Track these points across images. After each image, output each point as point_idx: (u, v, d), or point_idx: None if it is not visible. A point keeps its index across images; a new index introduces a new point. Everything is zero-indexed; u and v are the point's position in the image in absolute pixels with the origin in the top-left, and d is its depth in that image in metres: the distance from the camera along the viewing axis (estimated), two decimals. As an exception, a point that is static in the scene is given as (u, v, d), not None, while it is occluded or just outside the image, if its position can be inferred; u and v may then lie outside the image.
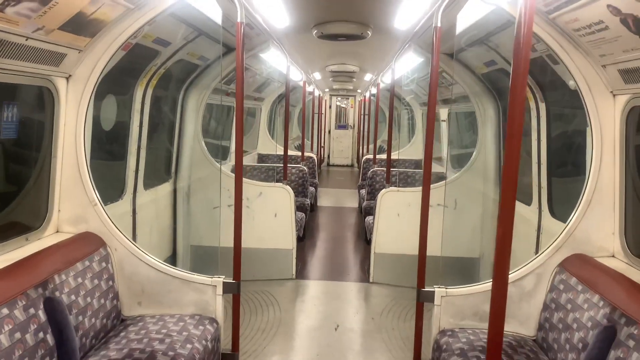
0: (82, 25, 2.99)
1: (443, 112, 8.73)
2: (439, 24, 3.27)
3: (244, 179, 5.33)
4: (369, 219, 7.04)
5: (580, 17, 2.84)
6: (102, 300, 3.24)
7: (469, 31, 4.22)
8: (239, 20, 3.28)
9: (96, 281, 3.23)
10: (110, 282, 3.40)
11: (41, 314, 2.61)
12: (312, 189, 9.33)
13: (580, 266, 3.15)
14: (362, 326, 4.87)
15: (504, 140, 5.75)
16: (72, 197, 3.49)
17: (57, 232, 3.51)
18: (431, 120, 3.45)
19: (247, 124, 10.71)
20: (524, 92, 1.92)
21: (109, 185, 4.60)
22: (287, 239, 6.02)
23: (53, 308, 2.69)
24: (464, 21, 3.91)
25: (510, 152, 1.94)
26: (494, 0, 3.14)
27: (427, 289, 3.46)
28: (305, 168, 8.48)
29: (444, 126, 8.61)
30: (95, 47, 3.34)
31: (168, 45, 4.38)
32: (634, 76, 2.92)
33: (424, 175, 3.54)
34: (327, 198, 11.81)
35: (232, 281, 3.54)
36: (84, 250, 3.26)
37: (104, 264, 3.37)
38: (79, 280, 3.06)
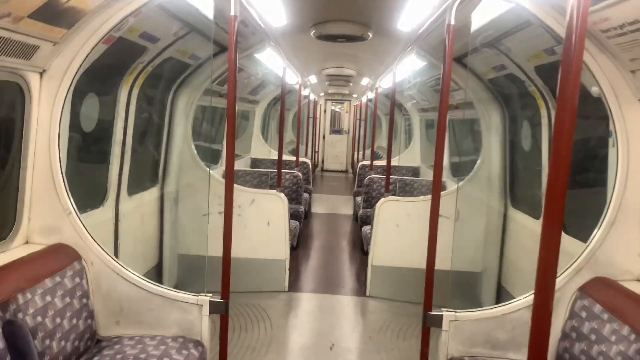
0: (55, 14, 2.67)
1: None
2: (452, 22, 2.96)
3: (235, 185, 5.03)
4: (365, 228, 6.73)
5: (612, 16, 2.56)
6: (75, 321, 2.91)
7: (479, 32, 3.93)
8: (232, 13, 2.97)
9: (68, 299, 2.89)
10: (85, 300, 3.06)
11: (-1, 341, 2.28)
12: (306, 195, 9.02)
13: (604, 291, 2.85)
14: (359, 345, 4.56)
15: (511, 150, 5.47)
16: (44, 204, 3.15)
17: (27, 243, 3.17)
18: (442, 128, 3.14)
19: (241, 127, 10.39)
20: (575, 103, 1.64)
21: (89, 191, 4.26)
22: (280, 249, 5.71)
23: (13, 333, 2.36)
24: (476, 21, 3.63)
25: (556, 165, 1.66)
26: (513, -3, 2.86)
27: (434, 312, 3.15)
28: (299, 174, 8.17)
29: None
30: (72, 40, 3.02)
31: (156, 41, 4.06)
32: (668, 83, 2.65)
33: (433, 184, 3.23)
34: (321, 204, 11.50)
35: (219, 300, 3.21)
36: (54, 265, 2.92)
37: (77, 280, 3.04)
38: (47, 298, 2.73)
